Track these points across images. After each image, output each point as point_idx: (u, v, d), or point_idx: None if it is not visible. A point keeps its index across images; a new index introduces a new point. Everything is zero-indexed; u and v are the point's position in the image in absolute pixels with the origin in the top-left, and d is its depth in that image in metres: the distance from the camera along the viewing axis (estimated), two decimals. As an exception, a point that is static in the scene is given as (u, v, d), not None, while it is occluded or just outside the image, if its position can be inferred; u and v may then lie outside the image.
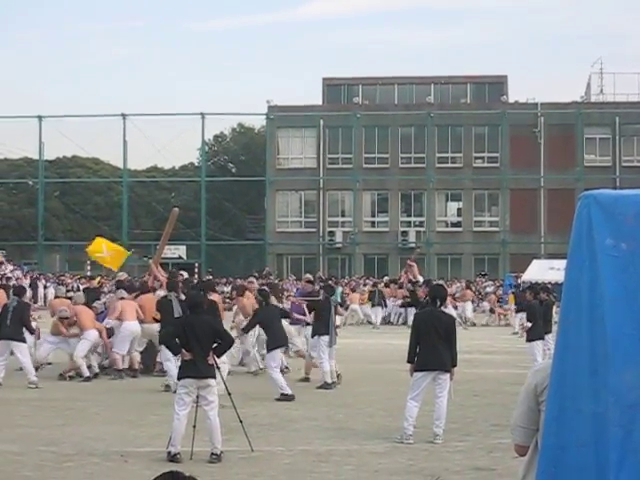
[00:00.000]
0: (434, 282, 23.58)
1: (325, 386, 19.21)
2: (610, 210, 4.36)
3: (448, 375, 13.62)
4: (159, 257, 23.32)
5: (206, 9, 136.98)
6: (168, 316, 18.11)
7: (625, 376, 4.22)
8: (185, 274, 26.26)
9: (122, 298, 21.33)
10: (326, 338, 19.44)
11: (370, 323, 40.74)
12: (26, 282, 51.99)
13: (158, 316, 19.18)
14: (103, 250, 25.87)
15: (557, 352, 4.48)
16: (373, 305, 41.64)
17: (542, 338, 21.28)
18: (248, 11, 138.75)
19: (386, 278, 50.28)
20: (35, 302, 48.77)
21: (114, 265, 26.47)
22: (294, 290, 42.44)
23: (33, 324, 21.62)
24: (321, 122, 69.00)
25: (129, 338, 20.89)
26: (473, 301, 46.21)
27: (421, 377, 13.53)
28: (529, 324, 21.34)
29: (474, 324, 42.45)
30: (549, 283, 33.16)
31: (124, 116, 68.48)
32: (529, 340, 21.36)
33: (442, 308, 14.27)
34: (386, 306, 42.50)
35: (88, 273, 51.05)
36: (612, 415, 4.22)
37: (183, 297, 18.17)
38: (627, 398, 4.22)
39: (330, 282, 29.59)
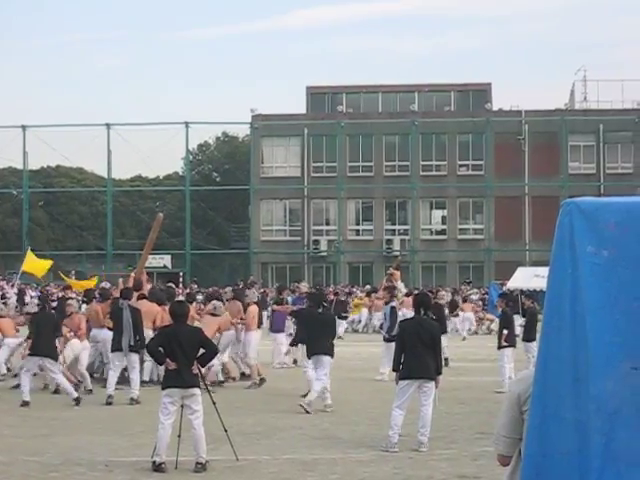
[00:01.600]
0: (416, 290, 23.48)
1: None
2: (592, 217, 4.37)
3: (433, 383, 13.64)
4: (143, 263, 23.27)
5: (189, 18, 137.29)
6: (118, 323, 19.02)
7: (606, 384, 4.24)
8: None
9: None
10: (309, 346, 19.38)
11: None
12: (13, 292, 51.76)
13: (110, 324, 19.79)
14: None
15: (540, 360, 4.48)
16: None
17: (513, 345, 21.17)
18: (231, 20, 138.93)
19: (368, 287, 50.12)
20: (21, 312, 48.54)
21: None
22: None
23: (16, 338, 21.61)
24: (305, 131, 68.98)
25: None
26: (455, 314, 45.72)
27: (406, 385, 13.54)
28: (505, 331, 21.01)
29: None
30: (533, 290, 33.15)
31: (108, 126, 68.31)
32: (502, 347, 21.05)
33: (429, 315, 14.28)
34: (345, 317, 42.16)
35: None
36: (594, 423, 4.23)
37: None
38: (608, 406, 4.24)
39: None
